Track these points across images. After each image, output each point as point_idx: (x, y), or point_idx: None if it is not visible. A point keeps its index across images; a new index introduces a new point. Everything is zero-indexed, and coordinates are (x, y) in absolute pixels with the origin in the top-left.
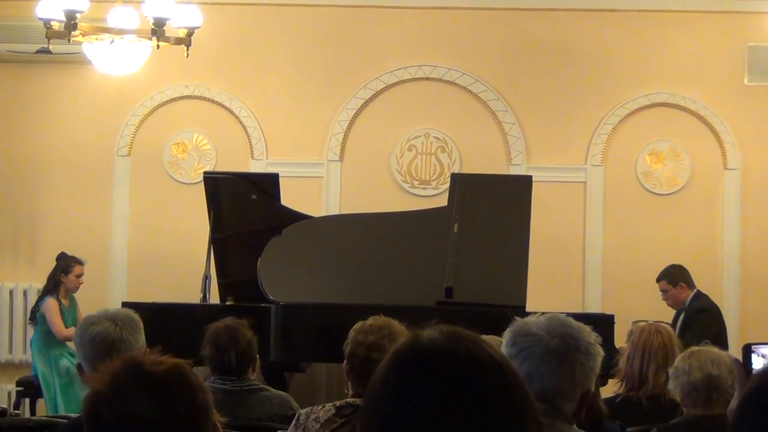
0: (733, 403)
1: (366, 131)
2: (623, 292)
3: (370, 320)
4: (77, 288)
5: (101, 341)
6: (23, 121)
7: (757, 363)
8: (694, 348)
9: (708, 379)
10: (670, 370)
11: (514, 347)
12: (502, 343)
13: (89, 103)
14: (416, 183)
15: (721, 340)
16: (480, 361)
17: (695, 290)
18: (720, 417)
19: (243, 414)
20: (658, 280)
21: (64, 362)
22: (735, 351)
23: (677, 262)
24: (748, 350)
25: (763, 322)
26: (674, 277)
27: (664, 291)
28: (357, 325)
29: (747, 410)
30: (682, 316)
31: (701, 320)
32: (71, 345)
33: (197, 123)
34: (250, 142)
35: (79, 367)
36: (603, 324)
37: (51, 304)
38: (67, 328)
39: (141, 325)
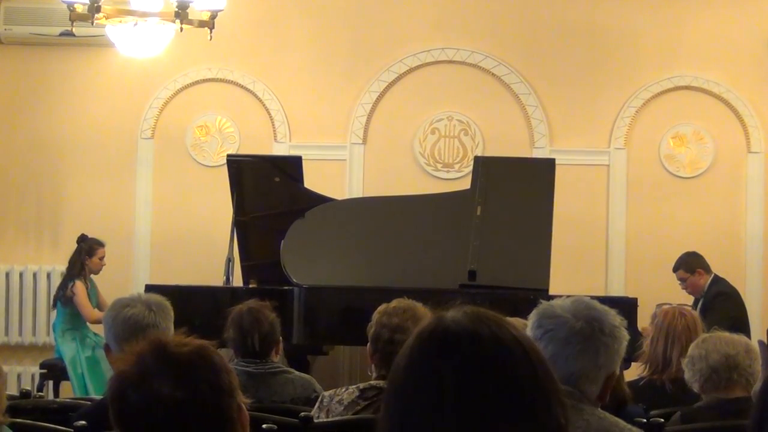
0: (758, 385)
1: (389, 114)
2: (646, 276)
3: (394, 303)
4: (100, 270)
5: (135, 323)
6: (46, 104)
7: None
8: (705, 335)
9: (726, 359)
10: (684, 361)
11: (539, 329)
12: (527, 326)
13: (112, 86)
14: (439, 166)
15: (741, 323)
16: (504, 342)
17: (713, 275)
18: (743, 400)
19: (266, 396)
20: (675, 269)
21: (89, 341)
22: (758, 334)
23: (699, 247)
24: None
25: None
26: (690, 264)
27: (682, 280)
28: (381, 308)
29: None
30: (701, 302)
31: (721, 304)
32: (95, 328)
33: (220, 106)
34: (273, 124)
35: (106, 347)
36: (626, 308)
37: (80, 288)
38: None
39: (172, 312)
